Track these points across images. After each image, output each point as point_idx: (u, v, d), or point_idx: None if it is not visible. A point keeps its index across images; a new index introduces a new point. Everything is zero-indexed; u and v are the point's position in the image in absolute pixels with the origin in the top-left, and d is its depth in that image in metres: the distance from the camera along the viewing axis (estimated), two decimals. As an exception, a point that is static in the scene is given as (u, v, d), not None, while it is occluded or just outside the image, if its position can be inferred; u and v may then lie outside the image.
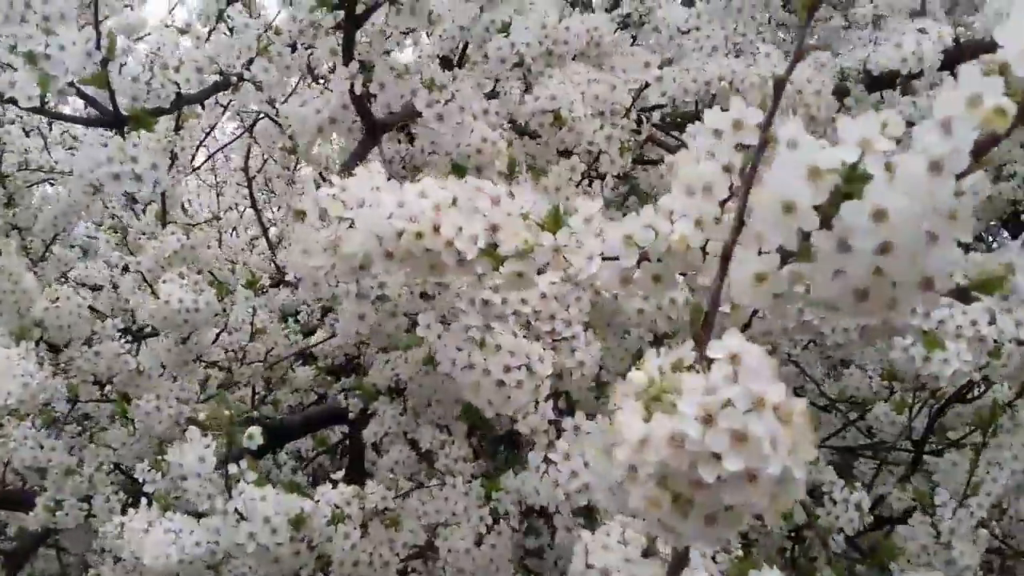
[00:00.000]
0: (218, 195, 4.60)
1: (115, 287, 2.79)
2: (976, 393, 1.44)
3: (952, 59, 1.26)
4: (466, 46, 1.82)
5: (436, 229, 0.77)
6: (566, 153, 1.28)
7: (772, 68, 1.36)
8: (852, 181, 0.48)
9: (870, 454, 1.75)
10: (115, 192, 1.03)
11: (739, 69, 1.38)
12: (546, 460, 0.92)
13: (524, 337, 0.99)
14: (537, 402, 0.98)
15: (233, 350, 1.83)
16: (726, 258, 0.51)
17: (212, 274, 1.86)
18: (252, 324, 1.73)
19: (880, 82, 1.31)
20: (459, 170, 1.17)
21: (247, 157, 3.61)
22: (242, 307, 1.66)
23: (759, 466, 0.45)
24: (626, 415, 0.49)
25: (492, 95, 1.52)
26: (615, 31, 1.53)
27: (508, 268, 0.74)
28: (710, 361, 0.48)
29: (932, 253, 0.50)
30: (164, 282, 1.60)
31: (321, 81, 1.98)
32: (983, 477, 1.24)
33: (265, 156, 3.67)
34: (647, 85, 1.20)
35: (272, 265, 3.66)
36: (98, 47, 1.00)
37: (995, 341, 1.00)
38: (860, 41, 1.63)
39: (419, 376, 2.00)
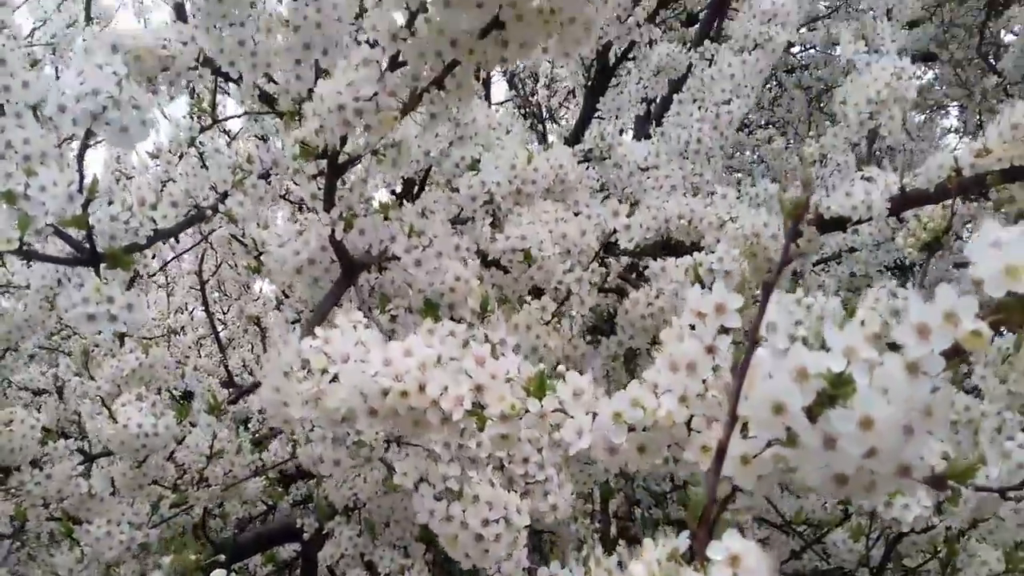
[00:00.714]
0: (168, 295, 4.56)
1: (60, 392, 2.72)
2: (929, 524, 1.47)
3: (898, 205, 1.34)
4: (429, 169, 1.88)
5: (421, 388, 0.78)
6: (536, 290, 1.32)
7: (728, 208, 1.42)
8: (838, 385, 0.51)
9: (829, 580, 1.76)
10: (89, 332, 1.02)
11: (698, 208, 1.44)
12: (523, 613, 0.92)
13: (499, 482, 0.99)
14: (511, 548, 0.98)
15: (188, 470, 1.79)
16: (721, 453, 0.54)
17: (171, 392, 1.83)
18: (211, 447, 1.70)
19: (830, 224, 1.39)
20: (431, 307, 1.19)
21: (201, 260, 3.60)
22: (204, 433, 1.63)
23: (757, 668, 0.46)
24: (628, 612, 0.50)
25: (458, 220, 1.56)
26: (579, 163, 1.60)
27: (493, 431, 0.75)
28: (707, 558, 0.50)
29: (909, 445, 0.53)
30: (123, 405, 1.57)
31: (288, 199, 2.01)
32: (944, 613, 1.26)
33: (219, 260, 3.67)
34: (615, 231, 1.26)
35: (223, 368, 3.62)
36: (80, 189, 1.01)
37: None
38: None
39: (377, 496, 1.97)
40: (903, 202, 1.33)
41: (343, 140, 1.00)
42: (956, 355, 0.52)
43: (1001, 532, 1.40)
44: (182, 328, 4.25)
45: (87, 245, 1.08)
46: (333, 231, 1.07)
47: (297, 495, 2.71)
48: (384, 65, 0.97)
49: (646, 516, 2.42)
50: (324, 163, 1.06)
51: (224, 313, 4.39)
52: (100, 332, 1.03)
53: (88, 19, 2.92)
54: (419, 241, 1.08)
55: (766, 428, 0.53)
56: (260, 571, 2.95)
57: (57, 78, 3.00)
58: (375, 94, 0.95)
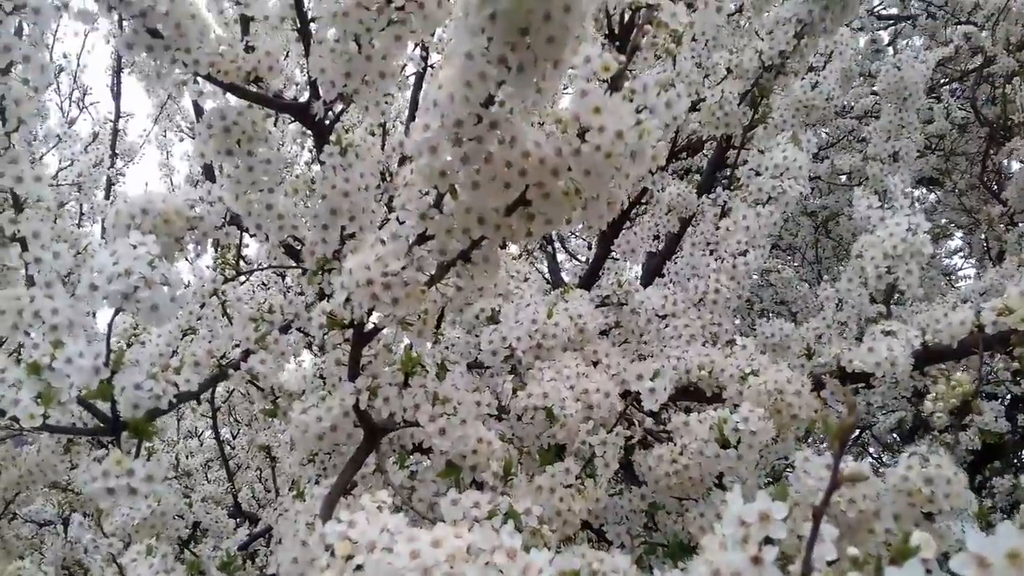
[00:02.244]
0: (178, 420, 4.54)
1: (65, 523, 2.67)
2: None
3: (921, 360, 1.33)
4: (443, 310, 1.88)
5: (451, 582, 0.76)
6: (559, 448, 1.30)
7: (749, 360, 1.42)
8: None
9: None
10: (107, 506, 1.00)
11: (718, 360, 1.44)
12: None
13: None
14: None
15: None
16: None
17: (182, 539, 1.79)
18: (220, 603, 1.65)
19: (854, 377, 1.38)
20: (453, 470, 1.18)
21: (213, 389, 3.59)
22: (213, 588, 1.58)
23: None
24: None
25: (477, 364, 1.55)
26: (595, 307, 1.60)
27: (527, 632, 0.73)
28: None
29: None
30: (133, 560, 1.53)
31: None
32: None
33: (231, 388, 3.66)
34: (639, 394, 1.25)
35: (230, 496, 3.56)
36: (106, 362, 1.01)
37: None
38: (824, 322, 1.72)
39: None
40: (926, 357, 1.33)
41: (369, 311, 1.01)
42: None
43: None
44: (189, 454, 4.22)
45: (109, 415, 1.08)
46: (357, 400, 1.07)
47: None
48: (411, 240, 0.98)
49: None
50: (350, 332, 1.06)
51: (233, 437, 4.36)
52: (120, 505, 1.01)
53: (113, 156, 3.02)
54: (443, 409, 1.07)
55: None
56: None
57: (81, 215, 3.08)
58: (403, 268, 0.96)
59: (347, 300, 1.00)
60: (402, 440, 1.43)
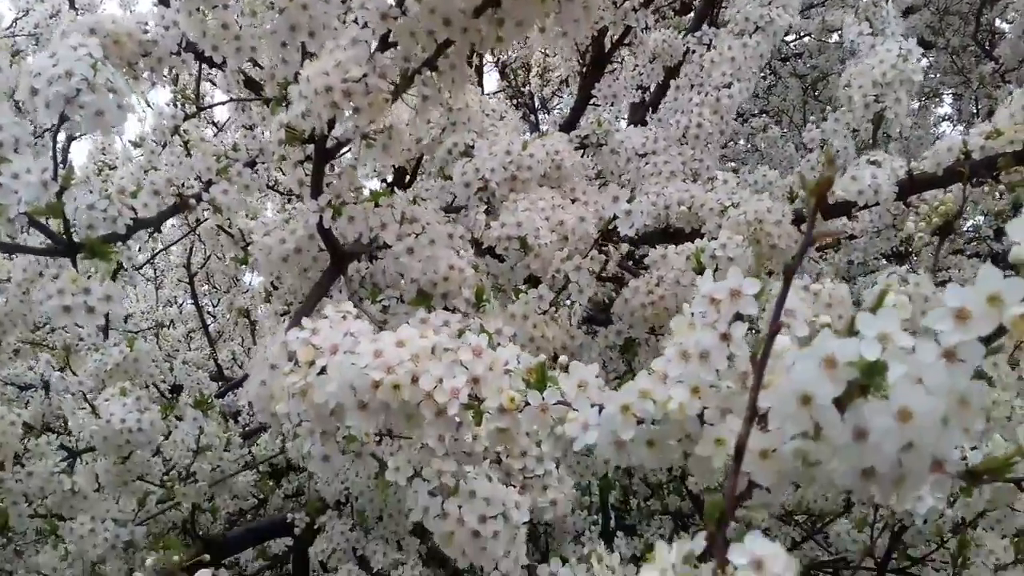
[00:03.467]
0: (157, 288, 4.52)
1: (46, 386, 2.67)
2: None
3: (905, 190, 1.30)
4: (421, 157, 1.83)
5: (415, 381, 0.74)
6: (532, 279, 1.28)
7: (730, 194, 1.38)
8: (871, 375, 0.47)
9: (831, 571, 1.73)
10: (65, 324, 0.97)
11: (698, 194, 1.40)
12: (523, 614, 0.88)
13: (497, 476, 0.95)
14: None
15: (175, 466, 1.75)
16: (740, 450, 0.50)
17: (158, 388, 1.78)
18: (198, 443, 1.66)
19: (835, 209, 1.35)
20: (425, 297, 1.15)
21: (189, 253, 3.56)
22: (189, 427, 1.58)
23: None
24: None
25: (451, 209, 1.52)
26: (575, 149, 1.55)
27: (492, 425, 0.71)
28: (727, 562, 0.46)
29: (943, 438, 0.49)
30: (106, 400, 1.53)
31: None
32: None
33: (208, 253, 3.62)
34: (615, 217, 1.22)
35: (212, 361, 3.57)
36: (55, 176, 0.96)
37: (966, 478, 1.00)
38: (808, 164, 1.68)
39: (369, 490, 1.93)
40: (911, 186, 1.30)
41: (331, 124, 0.96)
42: (997, 337, 0.48)
43: (1009, 521, 1.37)
44: (171, 322, 4.21)
45: (64, 236, 1.04)
46: (321, 219, 1.03)
47: (288, 488, 2.68)
48: (374, 45, 0.92)
49: (642, 506, 2.38)
50: (311, 148, 1.01)
51: (214, 306, 4.36)
52: (78, 325, 0.99)
53: (73, 8, 2.86)
54: (411, 228, 1.04)
55: (790, 421, 0.49)
56: (251, 566, 2.92)
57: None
58: (364, 75, 0.91)
59: (306, 111, 0.95)
60: (375, 278, 1.41)
